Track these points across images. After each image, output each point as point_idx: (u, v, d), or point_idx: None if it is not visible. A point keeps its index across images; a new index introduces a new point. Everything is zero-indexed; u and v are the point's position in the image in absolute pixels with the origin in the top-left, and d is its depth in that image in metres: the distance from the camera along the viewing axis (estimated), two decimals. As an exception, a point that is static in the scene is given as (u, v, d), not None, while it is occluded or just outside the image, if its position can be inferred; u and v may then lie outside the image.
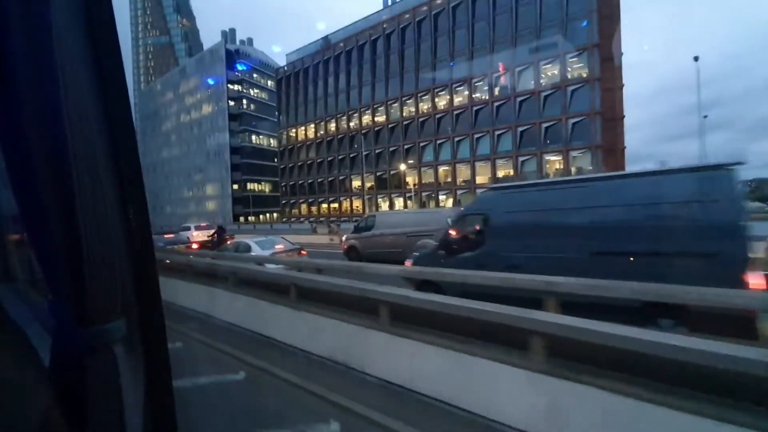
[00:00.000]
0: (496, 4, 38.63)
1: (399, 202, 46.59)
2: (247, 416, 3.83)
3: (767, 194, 41.73)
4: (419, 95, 44.47)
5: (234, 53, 67.90)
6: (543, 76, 36.52)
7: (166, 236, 16.69)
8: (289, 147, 59.90)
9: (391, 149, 47.09)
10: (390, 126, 47.25)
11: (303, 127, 57.56)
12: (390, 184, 47.47)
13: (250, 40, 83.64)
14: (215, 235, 16.25)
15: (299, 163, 58.10)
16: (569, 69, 35.04)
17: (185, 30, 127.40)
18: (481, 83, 40.30)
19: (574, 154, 35.09)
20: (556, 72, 35.77)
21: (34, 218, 0.60)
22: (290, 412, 3.88)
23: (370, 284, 4.40)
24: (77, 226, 0.58)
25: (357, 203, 50.73)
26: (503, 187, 5.97)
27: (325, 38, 55.75)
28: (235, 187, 65.97)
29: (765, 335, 3.11)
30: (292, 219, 56.32)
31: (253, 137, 69.03)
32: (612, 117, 34.30)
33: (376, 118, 48.84)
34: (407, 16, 45.11)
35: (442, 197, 43.28)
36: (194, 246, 15.87)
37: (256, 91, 70.66)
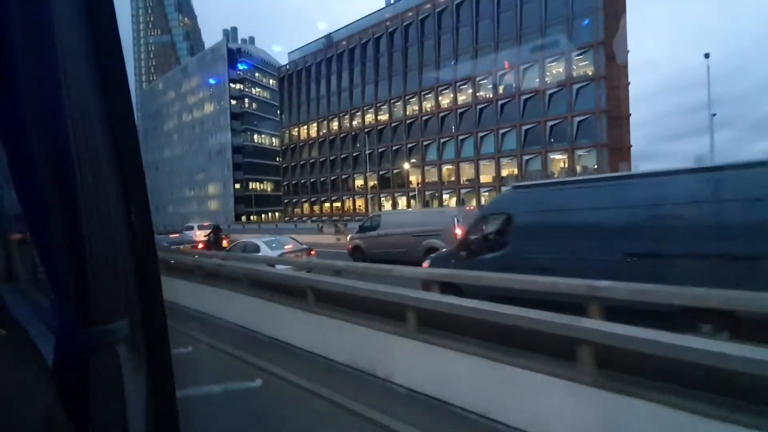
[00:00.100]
0: (500, 1, 38.31)
1: (402, 202, 46.37)
2: (266, 427, 3.62)
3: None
4: (423, 93, 44.19)
5: (236, 52, 67.71)
6: (548, 74, 36.21)
7: (171, 236, 16.47)
8: (292, 146, 59.69)
9: (394, 148, 46.83)
10: (393, 125, 46.98)
11: (305, 126, 57.33)
12: (393, 183, 47.23)
13: (251, 39, 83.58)
14: (211, 234, 15.99)
15: (302, 162, 57.89)
16: (574, 67, 34.73)
17: (187, 29, 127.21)
18: (485, 81, 40.00)
19: (579, 152, 34.80)
20: (561, 70, 35.46)
21: (36, 218, 0.62)
22: (313, 423, 3.67)
23: (396, 288, 4.18)
24: (80, 226, 0.58)
25: (360, 202, 50.51)
26: (528, 185, 5.74)
27: (328, 36, 55.48)
28: (237, 186, 65.84)
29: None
30: (295, 218, 56.13)
31: (255, 136, 68.86)
32: (618, 115, 34.00)
33: (379, 117, 48.57)
34: (410, 14, 44.82)
35: (445, 196, 43.04)
36: (200, 246, 15.64)
37: (258, 89, 70.47)
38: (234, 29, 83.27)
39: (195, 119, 72.19)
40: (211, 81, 67.76)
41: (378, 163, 48.30)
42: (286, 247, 9.79)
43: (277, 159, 65.43)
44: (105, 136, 0.63)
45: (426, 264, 6.47)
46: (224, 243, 17.36)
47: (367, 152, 47.84)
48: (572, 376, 2.90)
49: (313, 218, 52.29)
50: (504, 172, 39.09)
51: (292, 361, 4.79)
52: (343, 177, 52.32)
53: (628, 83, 35.27)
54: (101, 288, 0.62)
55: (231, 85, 65.73)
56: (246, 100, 67.85)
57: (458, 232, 10.72)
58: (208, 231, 18.88)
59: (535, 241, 5.07)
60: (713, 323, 3.52)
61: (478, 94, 40.41)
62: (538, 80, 36.51)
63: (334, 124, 53.52)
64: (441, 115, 42.88)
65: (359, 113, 50.38)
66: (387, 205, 47.19)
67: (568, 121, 34.68)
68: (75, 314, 0.61)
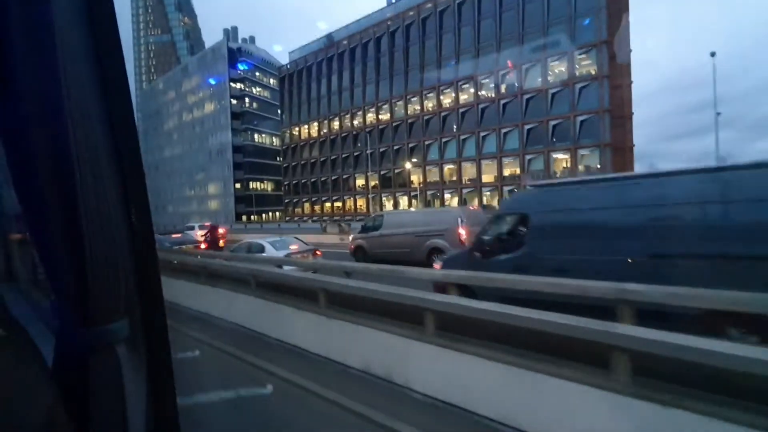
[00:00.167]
0: (502, 1, 38.13)
1: (403, 201, 46.21)
2: (281, 436, 3.48)
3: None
4: (424, 93, 44.01)
5: (236, 51, 67.52)
6: (550, 73, 36.05)
7: (173, 236, 16.29)
8: (292, 145, 59.51)
9: (395, 148, 46.65)
10: (394, 124, 46.81)
11: (306, 126, 57.15)
12: (394, 183, 47.06)
13: (252, 38, 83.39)
14: (208, 233, 15.96)
15: (302, 162, 57.71)
16: (577, 66, 34.56)
17: (187, 28, 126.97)
18: (487, 81, 39.84)
19: (582, 152, 34.66)
20: (563, 69, 35.30)
21: (36, 218, 0.62)
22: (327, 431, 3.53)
23: (415, 290, 4.03)
24: (80, 226, 0.59)
25: (361, 202, 50.35)
26: (546, 184, 5.59)
27: (329, 36, 55.32)
28: (238, 186, 65.66)
29: None
30: (296, 218, 55.97)
31: (256, 136, 68.67)
32: (621, 114, 33.83)
33: (380, 116, 48.40)
34: (412, 13, 44.64)
35: (447, 196, 42.89)
36: (202, 246, 15.47)
37: (258, 89, 70.29)
38: (234, 29, 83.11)
39: (195, 119, 71.99)
40: (212, 80, 67.56)
41: (379, 163, 48.12)
42: (291, 247, 9.62)
43: (278, 158, 65.24)
44: (105, 136, 0.63)
45: (437, 265, 6.32)
46: (221, 243, 17.40)
47: (368, 152, 47.68)
48: (606, 385, 2.75)
49: (314, 218, 52.11)
50: (506, 172, 38.94)
51: (304, 366, 4.64)
52: (344, 177, 52.14)
53: (631, 82, 35.08)
54: (101, 288, 0.61)
55: (231, 84, 65.54)
56: (246, 100, 67.66)
57: (462, 232, 10.57)
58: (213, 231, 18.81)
59: (554, 242, 4.92)
60: (743, 327, 3.38)
61: (480, 93, 40.25)
62: (540, 79, 36.33)
63: (335, 124, 53.34)
64: (443, 114, 42.71)
65: (360, 113, 50.19)
66: (388, 205, 47.01)
67: (571, 121, 34.51)
68: (75, 314, 0.61)
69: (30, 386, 0.64)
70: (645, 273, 4.06)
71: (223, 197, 66.95)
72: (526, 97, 37.04)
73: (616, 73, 33.18)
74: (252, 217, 64.42)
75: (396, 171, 46.51)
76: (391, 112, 47.18)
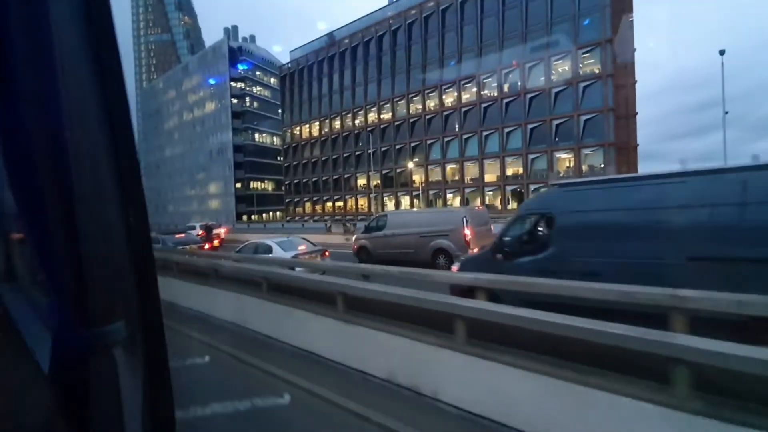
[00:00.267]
0: (505, -1, 37.94)
1: (405, 201, 45.99)
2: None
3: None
4: (426, 92, 43.77)
5: (237, 50, 67.19)
6: (554, 72, 35.83)
7: (176, 236, 16.07)
8: (293, 145, 59.24)
9: (397, 147, 46.42)
10: (396, 123, 46.57)
11: (307, 125, 56.89)
12: (396, 183, 46.83)
13: (252, 38, 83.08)
14: (204, 232, 16.35)
15: (303, 161, 57.46)
16: (581, 65, 34.34)
17: (187, 28, 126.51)
18: (490, 80, 39.61)
19: (585, 151, 34.44)
20: (567, 68, 35.07)
21: (34, 219, 0.62)
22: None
23: (442, 295, 3.81)
24: (77, 227, 0.59)
25: (362, 202, 50.12)
26: (573, 183, 5.36)
27: (330, 35, 55.04)
28: (238, 185, 65.36)
29: None
30: (297, 217, 55.74)
31: (257, 135, 68.38)
32: (625, 114, 33.64)
33: (382, 116, 48.15)
34: (413, 11, 44.40)
35: (449, 196, 42.67)
36: (206, 246, 15.26)
37: (259, 88, 69.98)
38: (235, 28, 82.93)
39: (196, 118, 71.69)
40: (212, 80, 67.25)
41: (381, 163, 47.87)
42: (299, 248, 9.39)
43: (279, 158, 64.96)
44: (102, 137, 0.63)
45: (455, 268, 6.11)
46: (215, 242, 17.45)
47: (369, 151, 47.43)
48: (664, 400, 2.53)
49: (315, 218, 51.89)
50: (509, 171, 38.72)
51: (322, 374, 4.42)
52: (346, 176, 51.90)
53: (635, 81, 34.87)
54: (99, 289, 0.62)
55: (232, 83, 65.22)
56: (247, 99, 67.35)
57: (467, 232, 10.36)
58: (214, 230, 19.17)
59: (582, 243, 4.70)
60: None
61: (482, 92, 40.02)
62: (543, 78, 36.10)
63: (336, 123, 53.09)
64: (445, 113, 42.46)
65: (362, 112, 49.94)
66: (390, 205, 46.78)
67: (575, 120, 34.29)
68: (73, 315, 0.61)
69: (28, 387, 0.64)
70: (682, 277, 3.85)
71: (223, 197, 66.67)
72: (529, 96, 36.81)
73: (620, 72, 32.98)
74: (253, 216, 64.17)
75: (398, 170, 46.28)
76: (393, 111, 46.92)
